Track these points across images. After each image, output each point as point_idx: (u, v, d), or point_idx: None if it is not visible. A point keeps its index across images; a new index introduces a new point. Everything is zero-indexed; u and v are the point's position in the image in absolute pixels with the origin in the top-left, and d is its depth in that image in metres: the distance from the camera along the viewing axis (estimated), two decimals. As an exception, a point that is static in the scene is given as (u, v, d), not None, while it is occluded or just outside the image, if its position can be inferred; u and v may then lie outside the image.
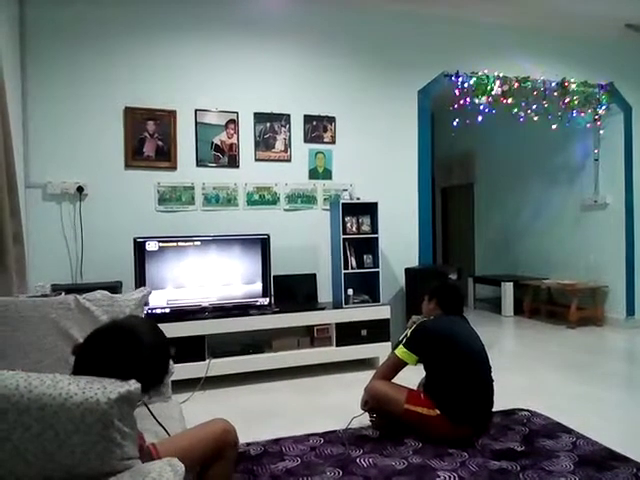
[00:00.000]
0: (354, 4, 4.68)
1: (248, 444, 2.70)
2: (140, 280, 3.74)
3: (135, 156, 4.13)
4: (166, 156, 4.21)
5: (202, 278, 3.96)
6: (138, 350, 1.45)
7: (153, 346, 1.51)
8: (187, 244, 3.94)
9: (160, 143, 4.19)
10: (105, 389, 1.20)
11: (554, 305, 6.37)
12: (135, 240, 3.79)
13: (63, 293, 2.56)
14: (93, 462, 1.19)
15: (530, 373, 4.05)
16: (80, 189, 3.97)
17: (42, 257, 3.85)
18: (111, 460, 1.21)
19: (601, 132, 5.78)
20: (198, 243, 3.97)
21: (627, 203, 5.71)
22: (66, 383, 1.20)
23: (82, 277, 3.95)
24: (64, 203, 3.99)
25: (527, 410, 3.15)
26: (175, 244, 3.91)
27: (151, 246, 3.82)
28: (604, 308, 5.89)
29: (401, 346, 2.81)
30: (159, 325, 1.63)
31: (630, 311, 5.74)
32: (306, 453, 2.62)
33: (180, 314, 3.82)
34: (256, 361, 3.93)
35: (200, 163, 4.31)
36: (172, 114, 4.21)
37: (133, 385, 1.25)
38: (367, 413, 2.94)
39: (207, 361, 3.77)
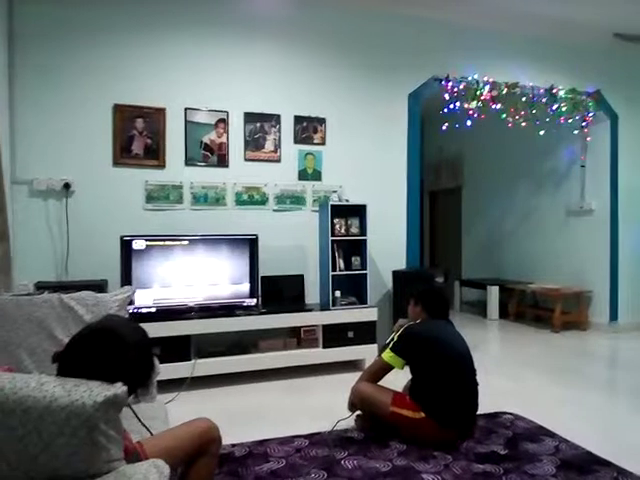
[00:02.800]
0: (345, 6, 4.68)
1: (233, 445, 2.69)
2: (126, 279, 3.71)
3: (123, 154, 4.10)
4: (155, 154, 4.18)
5: (189, 278, 3.94)
6: (122, 351, 1.44)
7: (137, 346, 1.50)
8: (175, 243, 3.92)
9: (149, 141, 4.16)
10: (91, 392, 1.19)
11: (539, 309, 6.44)
12: (122, 238, 3.76)
13: (46, 292, 2.54)
14: (78, 465, 1.18)
15: (514, 376, 4.08)
16: (67, 186, 3.94)
17: (27, 254, 3.81)
18: (96, 463, 1.20)
19: (588, 139, 5.84)
20: (186, 242, 3.95)
21: (612, 209, 5.79)
22: (51, 386, 1.19)
23: (67, 275, 3.92)
24: (50, 200, 3.94)
25: (511, 413, 3.17)
26: (162, 243, 3.89)
27: (138, 245, 3.80)
28: (588, 313, 5.96)
29: (388, 350, 2.82)
30: (144, 324, 1.62)
31: (613, 316, 5.81)
32: (291, 455, 2.61)
33: (166, 313, 3.80)
34: (242, 362, 3.92)
35: (189, 162, 4.29)
36: (161, 112, 4.19)
37: (120, 388, 1.23)
38: (352, 415, 2.95)
39: (193, 361, 3.76)
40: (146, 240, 3.83)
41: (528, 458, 2.56)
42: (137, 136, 4.13)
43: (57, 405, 1.15)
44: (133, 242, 3.78)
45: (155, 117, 4.17)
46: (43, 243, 3.90)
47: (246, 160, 4.46)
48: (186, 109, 4.27)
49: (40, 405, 1.15)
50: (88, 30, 4.00)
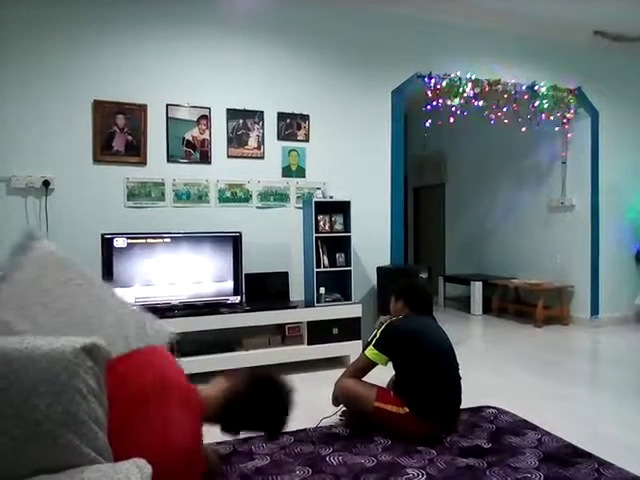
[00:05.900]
0: (328, 4, 4.67)
1: (218, 443, 2.67)
2: (108, 277, 3.66)
3: (104, 150, 4.04)
4: (136, 151, 4.13)
5: (172, 276, 3.91)
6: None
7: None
8: (156, 241, 3.88)
9: (130, 138, 4.11)
10: (71, 341, 1.27)
11: (521, 304, 6.50)
12: (103, 236, 3.71)
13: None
14: (59, 416, 1.21)
15: (498, 371, 4.12)
16: (46, 183, 3.86)
17: (4, 253, 3.72)
18: (78, 415, 1.23)
19: (569, 135, 5.91)
20: (168, 240, 3.91)
21: (592, 205, 5.86)
22: (32, 338, 1.28)
23: (47, 274, 3.84)
24: (29, 197, 3.87)
25: (494, 407, 3.20)
26: (144, 241, 3.84)
27: (119, 242, 3.75)
28: (569, 307, 6.03)
29: (371, 347, 2.82)
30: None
31: (594, 310, 5.89)
32: (276, 452, 2.61)
33: (149, 312, 3.75)
34: (227, 360, 3.88)
35: (171, 159, 4.25)
36: (142, 108, 4.13)
37: (99, 339, 1.31)
38: (337, 412, 2.95)
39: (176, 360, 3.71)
40: (127, 238, 3.78)
41: (511, 451, 2.58)
42: (118, 133, 4.07)
43: (38, 354, 1.22)
44: (114, 240, 3.73)
45: (136, 113, 4.11)
46: (22, 242, 3.83)
47: (229, 157, 4.43)
48: (168, 105, 4.22)
49: (22, 355, 1.22)
50: (68, 28, 3.93)
